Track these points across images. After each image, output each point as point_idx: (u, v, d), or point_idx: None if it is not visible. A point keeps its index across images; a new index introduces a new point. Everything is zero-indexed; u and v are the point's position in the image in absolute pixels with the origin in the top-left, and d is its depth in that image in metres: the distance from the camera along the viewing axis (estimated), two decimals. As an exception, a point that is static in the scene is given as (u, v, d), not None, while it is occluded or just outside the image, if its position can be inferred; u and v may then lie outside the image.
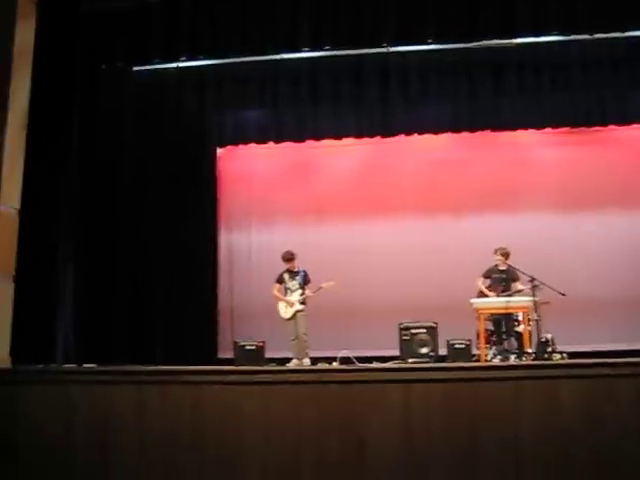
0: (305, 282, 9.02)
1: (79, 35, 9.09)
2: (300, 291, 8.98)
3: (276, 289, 9.15)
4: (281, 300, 9.04)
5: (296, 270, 9.08)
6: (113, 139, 9.91)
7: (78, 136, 9.29)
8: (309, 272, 9.13)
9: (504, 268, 8.87)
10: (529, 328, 8.38)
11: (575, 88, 9.84)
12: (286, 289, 9.10)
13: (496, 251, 8.90)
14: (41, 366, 6.98)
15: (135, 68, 10.03)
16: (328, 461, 5.55)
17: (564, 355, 7.92)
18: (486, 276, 8.99)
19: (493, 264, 8.97)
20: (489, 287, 8.88)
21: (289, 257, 9.10)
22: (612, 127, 10.19)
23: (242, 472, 5.63)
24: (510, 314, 8.52)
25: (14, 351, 7.08)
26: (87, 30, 9.15)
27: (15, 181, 7.44)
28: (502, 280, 8.84)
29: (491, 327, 8.87)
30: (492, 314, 8.59)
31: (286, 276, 9.11)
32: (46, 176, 8.55)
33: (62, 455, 5.84)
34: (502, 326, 8.65)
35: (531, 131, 10.31)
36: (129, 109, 10.14)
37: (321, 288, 8.93)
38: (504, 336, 8.65)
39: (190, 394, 5.84)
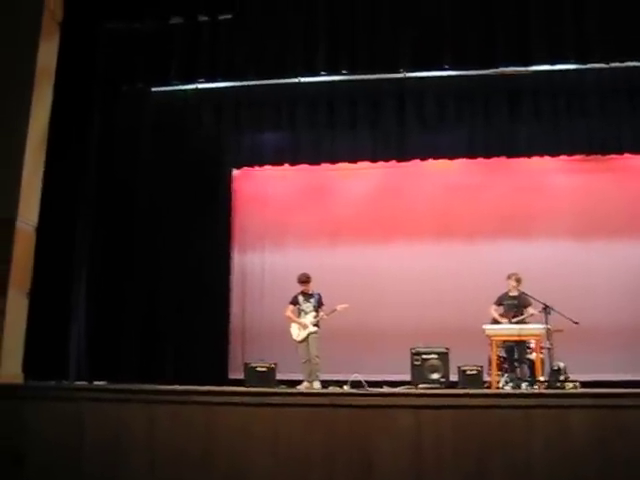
0: (319, 305, 9.00)
1: (100, 55, 9.23)
2: (314, 313, 8.95)
3: (290, 310, 9.12)
4: (294, 322, 9.01)
5: (311, 292, 9.07)
6: (130, 159, 10.02)
7: (96, 155, 9.39)
8: (322, 295, 9.11)
9: (516, 294, 8.83)
10: (541, 356, 8.32)
11: (591, 116, 9.84)
12: (300, 311, 9.07)
13: (510, 276, 8.87)
14: (53, 382, 7.00)
15: (154, 89, 10.15)
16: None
17: (576, 384, 7.84)
18: (498, 303, 8.95)
19: (505, 290, 8.94)
20: (502, 314, 8.84)
21: (305, 279, 9.08)
22: (627, 155, 10.18)
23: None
24: (523, 341, 8.47)
25: (26, 367, 7.12)
26: (108, 50, 9.30)
27: (33, 198, 7.54)
28: (514, 306, 8.80)
29: (503, 354, 8.82)
30: (505, 341, 8.55)
31: (300, 298, 9.09)
32: (63, 194, 8.63)
33: (72, 472, 5.84)
34: (514, 353, 8.60)
35: (546, 158, 10.30)
36: (147, 129, 10.26)
37: (335, 310, 8.90)
38: (516, 363, 8.60)
39: (200, 414, 5.84)
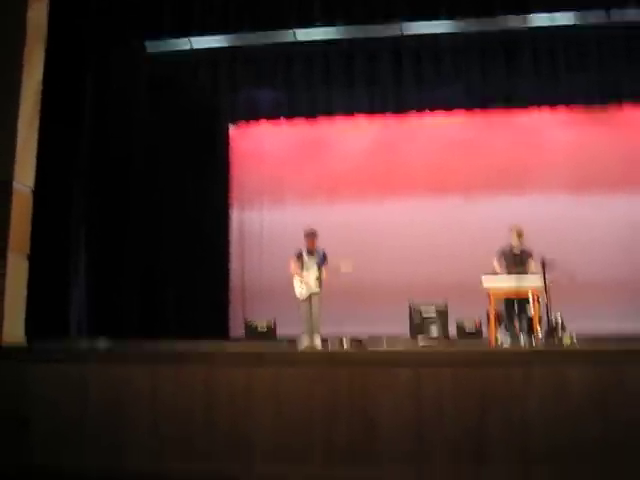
0: (323, 262, 8.96)
1: (91, 14, 9.06)
2: (317, 270, 8.91)
3: (293, 265, 9.08)
4: (297, 276, 8.97)
5: (315, 249, 9.02)
6: (126, 118, 9.94)
7: (91, 114, 9.30)
8: (326, 252, 9.08)
9: (517, 248, 8.84)
10: (539, 309, 8.38)
11: (589, 67, 9.77)
12: (303, 266, 9.04)
13: (511, 229, 8.85)
14: (55, 344, 7.05)
15: (148, 47, 9.99)
16: (338, 440, 5.61)
17: (573, 337, 7.92)
18: (500, 256, 8.97)
19: (506, 244, 8.95)
20: (503, 267, 8.86)
21: (311, 234, 9.00)
22: (627, 106, 10.10)
23: (253, 451, 5.70)
24: (523, 296, 8.52)
25: (29, 328, 7.17)
26: (100, 6, 9.13)
27: (29, 160, 7.45)
28: (516, 259, 8.81)
29: (502, 308, 8.88)
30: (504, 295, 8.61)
31: (305, 253, 9.04)
32: (59, 155, 8.58)
33: (75, 432, 5.92)
34: (514, 307, 8.65)
35: (544, 111, 10.25)
36: (142, 88, 10.16)
37: (339, 269, 8.86)
38: (515, 317, 8.66)
39: (202, 373, 5.89)
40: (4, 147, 7.19)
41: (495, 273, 8.79)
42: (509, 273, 8.67)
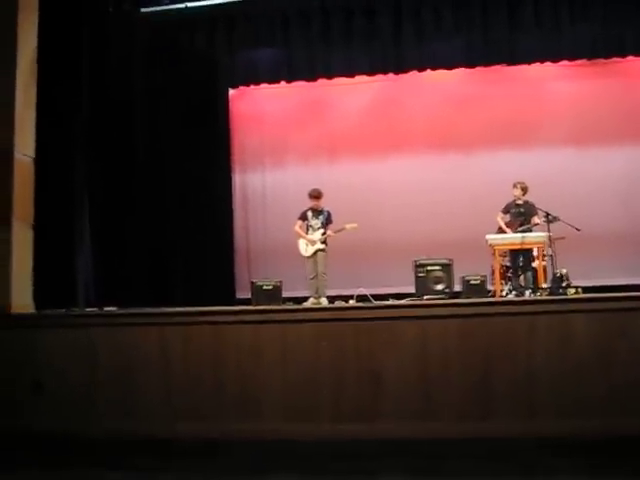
0: (328, 222, 9.00)
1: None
2: (322, 230, 8.97)
3: (298, 225, 9.11)
4: (302, 237, 9.04)
5: (320, 209, 9.05)
6: (124, 83, 9.86)
7: (88, 80, 9.24)
8: (331, 212, 9.10)
9: (522, 203, 8.84)
10: (544, 263, 8.40)
11: (593, 18, 9.58)
12: (308, 227, 9.08)
13: (515, 185, 8.85)
14: (63, 310, 7.10)
15: (143, 10, 9.87)
16: (346, 397, 5.67)
17: (579, 290, 7.95)
18: (505, 211, 8.98)
19: (511, 199, 8.94)
20: (508, 223, 8.88)
21: (316, 195, 9.00)
22: (631, 58, 9.97)
23: (261, 408, 5.77)
24: (528, 249, 8.54)
25: (36, 297, 7.21)
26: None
27: (28, 129, 7.42)
28: (520, 214, 8.83)
29: (506, 263, 8.92)
30: (510, 250, 8.64)
31: (309, 214, 9.07)
32: (59, 123, 8.54)
33: (86, 396, 6.00)
34: (519, 261, 8.68)
35: (547, 65, 10.10)
36: (139, 52, 10.05)
37: (343, 229, 8.92)
38: (520, 271, 8.69)
39: (210, 334, 5.94)
40: (2, 117, 7.16)
41: (500, 229, 8.82)
42: (513, 229, 8.70)
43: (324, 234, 8.93)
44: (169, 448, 5.57)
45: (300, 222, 9.12)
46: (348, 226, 8.91)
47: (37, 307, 7.12)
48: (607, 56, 9.98)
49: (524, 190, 8.87)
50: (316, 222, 9.01)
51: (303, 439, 5.54)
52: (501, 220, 8.94)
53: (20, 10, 7.34)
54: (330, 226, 8.99)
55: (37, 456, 5.44)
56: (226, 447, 5.56)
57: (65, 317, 6.60)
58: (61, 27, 8.52)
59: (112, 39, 9.64)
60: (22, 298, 6.98)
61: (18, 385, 6.02)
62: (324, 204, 9.15)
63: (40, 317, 6.67)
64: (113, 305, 7.63)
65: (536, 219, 8.60)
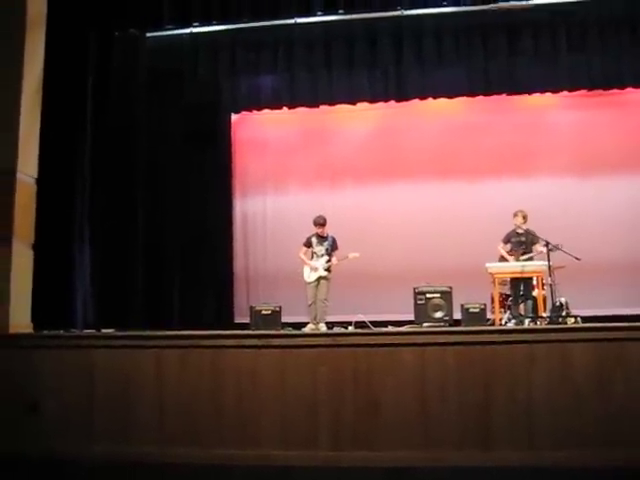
0: (333, 248, 9.03)
1: (92, 1, 9.05)
2: (326, 257, 8.99)
3: (303, 252, 9.15)
4: (306, 264, 9.06)
5: (325, 235, 9.08)
6: (127, 106, 9.92)
7: (92, 103, 9.31)
8: (336, 238, 9.12)
9: (522, 231, 8.85)
10: (544, 292, 8.39)
11: (592, 50, 9.65)
12: (312, 253, 9.10)
13: (516, 214, 8.86)
14: (61, 331, 7.09)
15: (148, 34, 9.98)
16: (344, 424, 5.64)
17: (578, 319, 7.93)
18: (506, 241, 8.99)
19: (512, 228, 8.95)
20: (509, 252, 8.89)
21: (321, 222, 9.04)
22: (629, 90, 10.05)
23: (259, 434, 5.73)
24: (529, 278, 8.54)
25: (35, 317, 7.20)
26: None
27: (31, 150, 7.47)
28: (521, 243, 8.84)
29: (506, 291, 8.91)
30: (511, 278, 8.64)
31: (314, 240, 9.10)
32: (62, 144, 8.60)
33: (82, 418, 5.97)
34: (520, 289, 8.67)
35: (547, 94, 10.18)
36: (143, 76, 10.10)
37: (346, 258, 8.94)
38: (521, 299, 8.68)
39: (208, 358, 5.93)
40: (7, 137, 7.21)
41: (502, 258, 8.83)
42: (516, 257, 8.71)
43: (328, 261, 8.95)
44: (162, 472, 5.52)
45: (305, 248, 9.16)
46: (351, 255, 8.95)
47: (35, 327, 7.11)
48: (606, 87, 10.04)
49: (525, 218, 8.88)
50: (320, 249, 9.04)
51: (300, 466, 5.50)
52: (502, 249, 8.95)
53: (28, 31, 7.42)
54: (336, 252, 9.01)
55: (28, 478, 5.39)
56: (223, 473, 5.52)
57: (63, 338, 6.59)
58: (67, 49, 8.63)
59: (117, 63, 9.72)
60: (21, 318, 6.97)
61: (14, 405, 5.98)
62: (325, 229, 9.16)
63: (38, 337, 6.66)
64: (111, 327, 7.60)
65: (539, 247, 8.58)
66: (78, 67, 9.02)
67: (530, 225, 8.82)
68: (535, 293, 8.54)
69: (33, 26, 7.61)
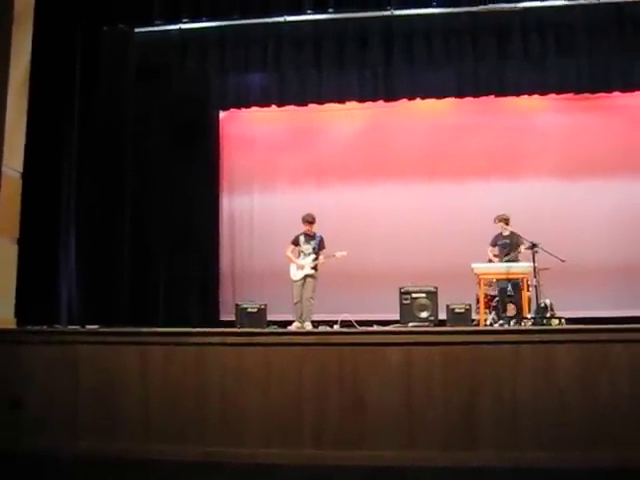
0: (320, 247, 9.00)
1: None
2: (313, 255, 8.96)
3: (290, 250, 9.11)
4: (292, 262, 9.04)
5: (312, 234, 9.06)
6: (115, 101, 9.86)
7: (80, 97, 9.25)
8: (324, 237, 9.10)
9: (508, 234, 8.92)
10: (528, 294, 8.44)
11: (580, 54, 9.71)
12: (300, 252, 9.08)
13: (495, 220, 8.94)
14: (45, 327, 7.04)
15: (137, 30, 9.92)
16: (328, 423, 5.63)
17: (562, 320, 7.99)
18: (493, 244, 9.07)
19: (498, 231, 9.02)
20: (496, 254, 8.95)
21: (309, 220, 9.02)
22: (617, 94, 10.14)
23: (244, 431, 5.72)
24: (517, 279, 8.58)
25: (19, 313, 7.15)
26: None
27: (17, 144, 7.42)
28: (507, 245, 8.90)
29: (491, 292, 8.96)
30: (498, 280, 8.69)
31: (302, 239, 9.07)
32: (48, 139, 8.53)
33: (65, 414, 5.93)
34: (508, 291, 8.71)
35: (535, 97, 10.25)
36: (131, 71, 10.04)
37: (333, 256, 8.93)
38: (507, 300, 8.72)
39: (193, 355, 5.90)
40: (-8, 131, 7.16)
41: (490, 261, 8.89)
42: (500, 259, 8.77)
43: (315, 259, 8.93)
44: (146, 469, 5.50)
45: (292, 247, 9.13)
46: (338, 254, 8.94)
47: (19, 323, 7.06)
48: (593, 91, 10.13)
49: (505, 221, 8.95)
50: (307, 247, 9.01)
51: (285, 464, 5.50)
52: (490, 252, 9.02)
53: (15, 24, 7.36)
54: (323, 251, 9.00)
55: (11, 473, 5.35)
56: (207, 470, 5.50)
57: (47, 334, 6.53)
58: (55, 44, 8.57)
59: (105, 57, 9.65)
60: (4, 313, 6.93)
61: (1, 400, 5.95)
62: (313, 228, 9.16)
63: (22, 333, 6.60)
64: (95, 323, 7.56)
65: (523, 249, 8.64)
66: (66, 61, 8.96)
67: (516, 227, 8.87)
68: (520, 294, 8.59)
69: (20, 19, 7.55)
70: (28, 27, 7.72)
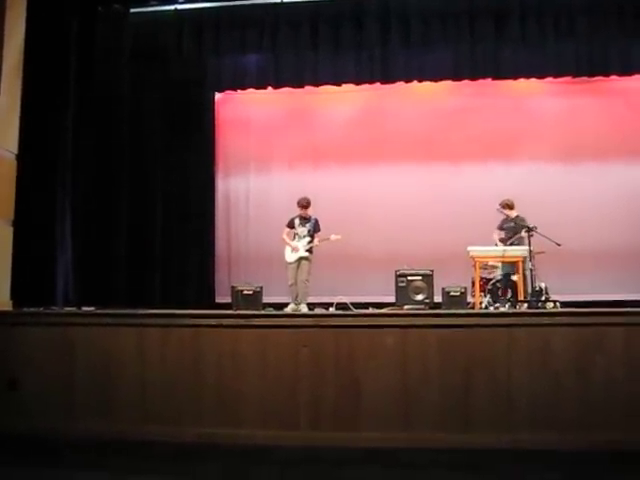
0: (315, 230, 9.04)
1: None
2: (308, 238, 9.00)
3: (285, 233, 9.17)
4: (288, 244, 9.08)
5: (308, 217, 9.08)
6: (110, 82, 9.81)
7: (74, 79, 9.18)
8: (319, 220, 9.11)
9: (513, 217, 8.91)
10: (523, 277, 8.46)
11: (578, 37, 9.63)
12: (295, 234, 9.12)
13: (497, 209, 8.88)
14: (41, 309, 7.04)
15: (132, 10, 9.84)
16: (324, 405, 5.67)
17: (557, 304, 8.01)
18: (500, 228, 9.06)
19: (503, 217, 9.02)
20: (502, 238, 8.96)
21: (304, 203, 9.05)
22: (614, 77, 10.10)
23: (240, 413, 5.75)
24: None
25: (15, 294, 7.15)
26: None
27: (12, 125, 7.40)
28: (511, 229, 8.90)
29: (486, 275, 8.97)
30: (503, 264, 8.70)
31: (297, 221, 9.12)
32: (43, 120, 8.48)
33: (62, 395, 5.95)
34: (510, 274, 8.72)
35: (533, 80, 10.21)
36: (126, 52, 9.96)
37: (328, 239, 8.97)
38: (507, 284, 8.73)
39: (189, 337, 5.92)
40: (-14, 113, 7.13)
41: (496, 245, 8.90)
42: (506, 244, 8.77)
43: (310, 242, 8.96)
44: (143, 450, 5.53)
45: (287, 229, 9.17)
46: (332, 237, 8.97)
47: (15, 305, 7.06)
48: (591, 74, 10.09)
49: (508, 207, 8.92)
50: (302, 230, 9.05)
51: (281, 445, 5.53)
52: (496, 236, 9.03)
53: (8, 5, 7.32)
54: (318, 234, 9.02)
55: (7, 454, 5.38)
56: (202, 452, 5.54)
57: (43, 315, 6.54)
58: (49, 24, 8.48)
59: (100, 38, 9.58)
60: (0, 295, 6.93)
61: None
62: (308, 212, 9.16)
63: (18, 315, 6.61)
64: (91, 305, 7.57)
65: (522, 233, 8.63)
66: (61, 42, 8.87)
67: (518, 210, 8.87)
68: (515, 278, 8.60)
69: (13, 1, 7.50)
70: (22, 8, 7.66)
